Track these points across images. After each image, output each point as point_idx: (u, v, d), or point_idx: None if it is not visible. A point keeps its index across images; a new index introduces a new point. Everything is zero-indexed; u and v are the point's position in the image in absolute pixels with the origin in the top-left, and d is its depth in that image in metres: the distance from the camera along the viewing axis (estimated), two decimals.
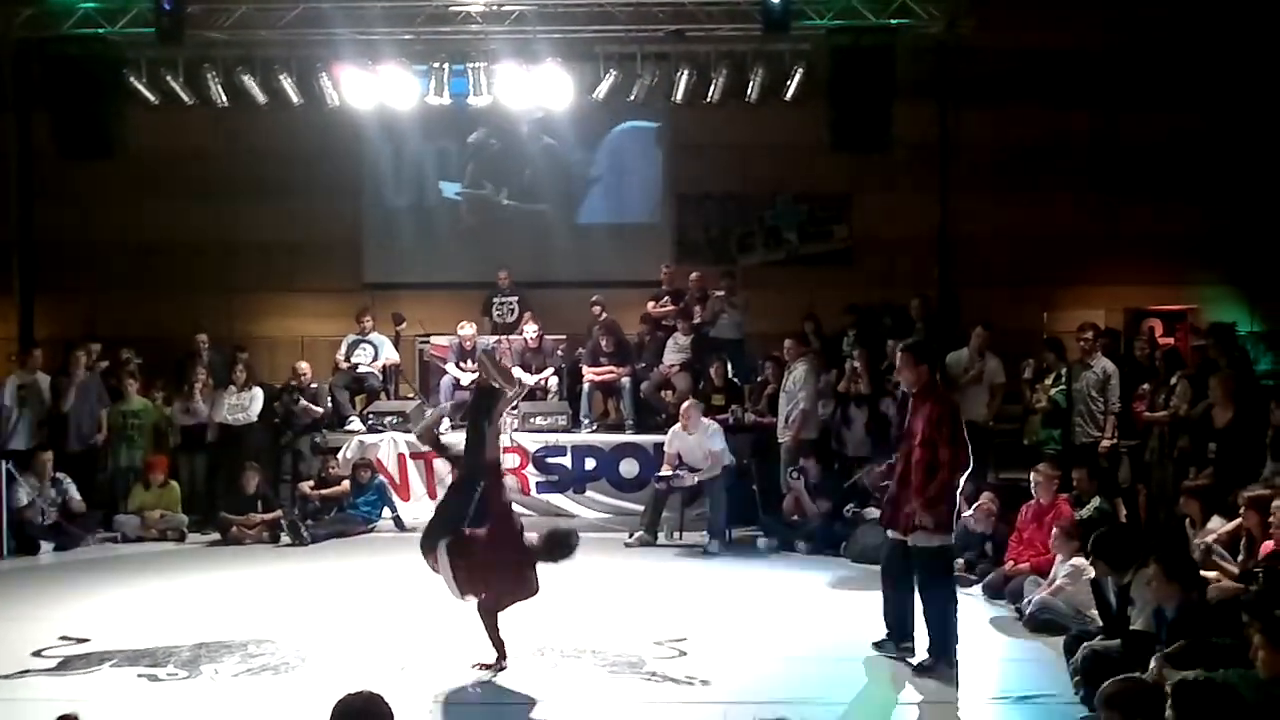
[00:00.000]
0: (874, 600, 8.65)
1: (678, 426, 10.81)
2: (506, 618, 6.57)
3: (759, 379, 12.11)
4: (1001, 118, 13.37)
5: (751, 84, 12.46)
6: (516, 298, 13.39)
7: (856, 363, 11.23)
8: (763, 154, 13.81)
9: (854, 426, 11.06)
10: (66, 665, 6.77)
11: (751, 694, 6.13)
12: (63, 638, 7.28)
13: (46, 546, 10.53)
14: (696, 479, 10.56)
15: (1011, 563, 8.50)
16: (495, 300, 13.44)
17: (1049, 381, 10.50)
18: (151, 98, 12.28)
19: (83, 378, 11.55)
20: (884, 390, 10.98)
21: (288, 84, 12.26)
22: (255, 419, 11.82)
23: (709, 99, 12.76)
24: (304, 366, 12.32)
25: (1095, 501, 8.95)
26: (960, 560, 8.94)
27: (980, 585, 8.63)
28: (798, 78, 12.26)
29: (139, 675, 6.48)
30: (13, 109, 13.60)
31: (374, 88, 12.24)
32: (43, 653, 6.98)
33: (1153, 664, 5.14)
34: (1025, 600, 7.83)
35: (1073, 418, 10.21)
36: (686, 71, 12.35)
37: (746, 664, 6.84)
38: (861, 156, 12.95)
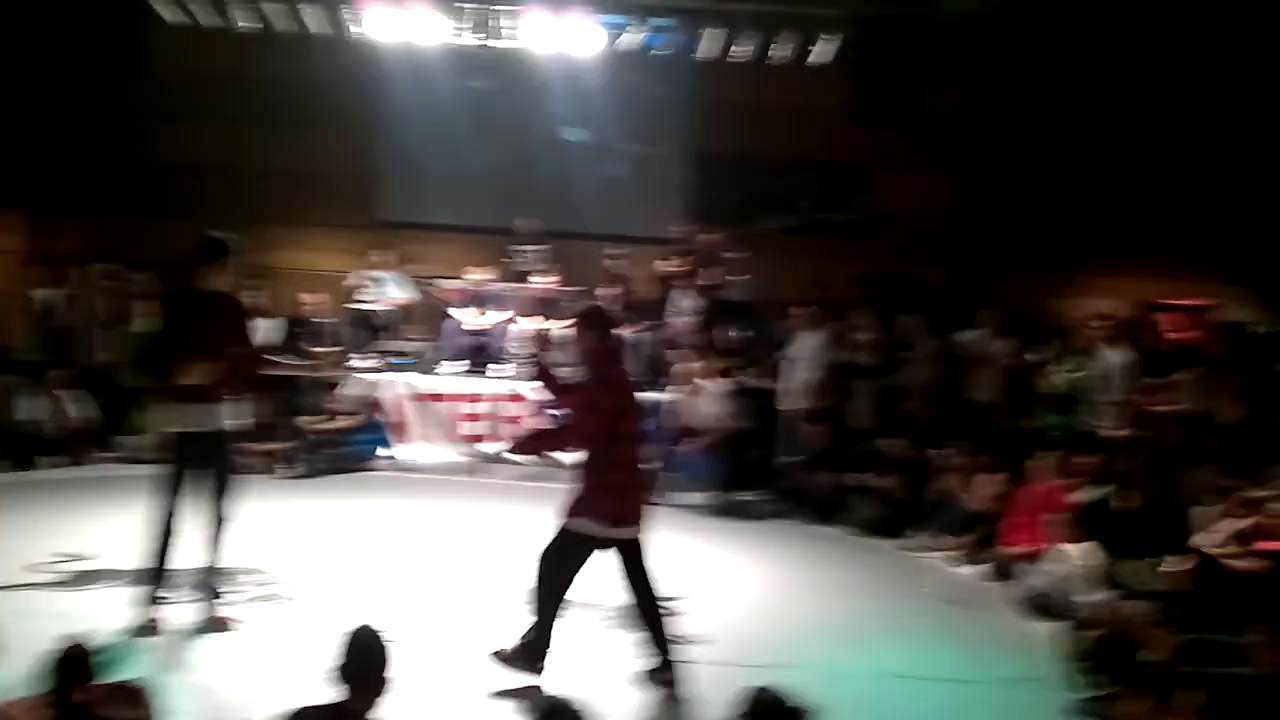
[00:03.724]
0: (871, 570, 8.78)
1: (683, 386, 10.80)
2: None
3: (768, 344, 12.06)
4: (1028, 98, 13.23)
5: (779, 47, 12.32)
6: (542, 247, 13.28)
7: (865, 335, 11.19)
8: (785, 120, 13.62)
9: (858, 399, 11.03)
10: (62, 582, 6.80)
11: (743, 658, 6.13)
12: (58, 554, 7.31)
13: (48, 461, 10.55)
14: (697, 441, 10.56)
15: (1006, 546, 8.52)
16: (518, 248, 13.33)
17: (1058, 368, 10.47)
18: (169, 18, 12.14)
19: (86, 295, 11.53)
20: (893, 363, 10.95)
21: (310, 13, 12.12)
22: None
23: (734, 59, 12.60)
24: (312, 299, 12.26)
25: (1097, 490, 8.93)
26: (958, 538, 9.01)
27: (977, 566, 8.64)
28: (826, 44, 12.11)
29: (131, 596, 6.47)
30: (34, 28, 13.39)
31: (400, 24, 12.11)
32: (38, 567, 7.01)
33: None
34: (1022, 584, 7.85)
35: (1081, 405, 10.18)
36: (714, 30, 12.21)
37: (740, 628, 6.86)
38: (885, 129, 12.83)
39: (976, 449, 9.63)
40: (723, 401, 10.72)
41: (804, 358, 11.01)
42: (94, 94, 13.09)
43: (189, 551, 6.22)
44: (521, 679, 5.64)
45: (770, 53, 12.37)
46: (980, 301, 11.62)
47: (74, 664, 3.45)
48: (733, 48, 12.37)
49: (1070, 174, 13.25)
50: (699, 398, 10.70)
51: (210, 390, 6.12)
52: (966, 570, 8.66)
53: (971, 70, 13.18)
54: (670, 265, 12.87)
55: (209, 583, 6.25)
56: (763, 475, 11.01)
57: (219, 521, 6.25)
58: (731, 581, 8.05)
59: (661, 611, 6.02)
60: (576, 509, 5.84)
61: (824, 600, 7.78)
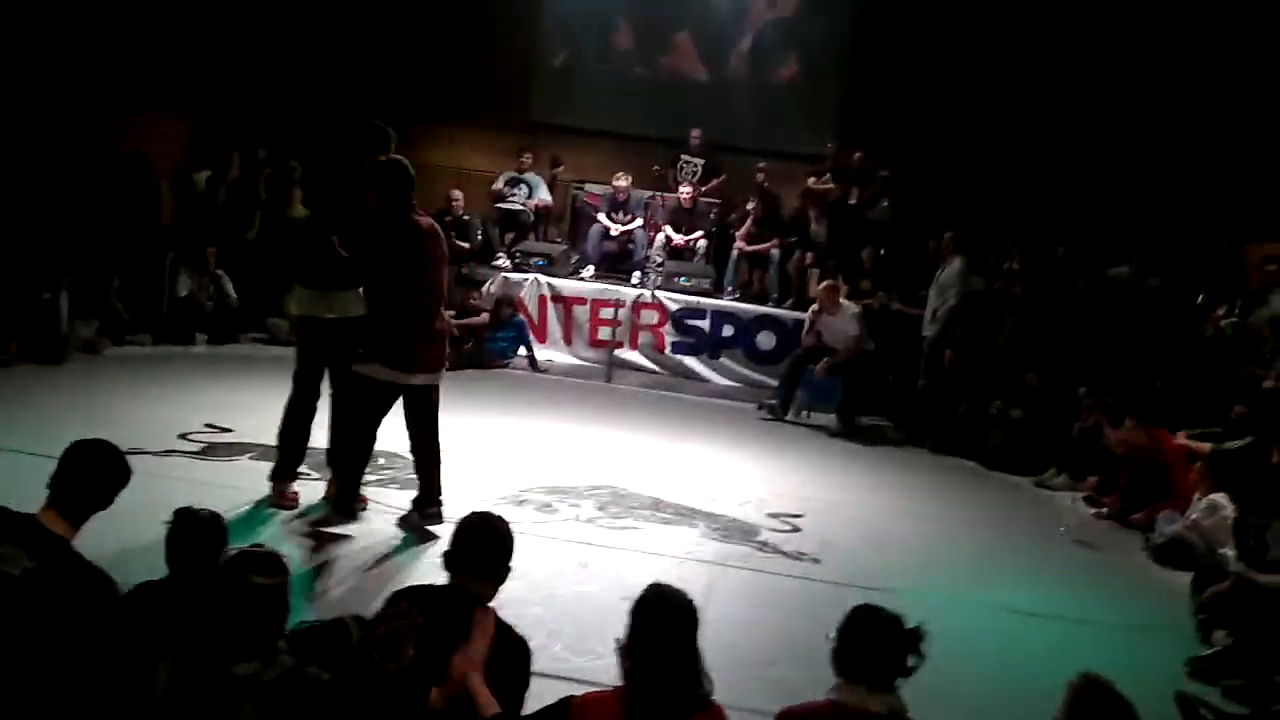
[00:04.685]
0: (999, 503, 8.59)
1: (819, 304, 10.65)
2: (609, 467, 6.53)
3: (912, 268, 11.77)
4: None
5: None
6: (703, 160, 13.16)
7: (1014, 264, 10.82)
8: (949, 41, 13.08)
9: (1002, 330, 10.71)
10: (209, 451, 7.12)
11: (855, 579, 6.07)
12: (208, 425, 7.66)
13: (202, 338, 11.03)
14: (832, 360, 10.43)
15: (1146, 491, 8.18)
16: (683, 158, 13.24)
17: (1223, 311, 9.94)
18: None
19: (246, 178, 11.90)
20: (1039, 294, 10.57)
21: None
22: None
23: None
24: (458, 194, 12.44)
25: (1245, 439, 8.51)
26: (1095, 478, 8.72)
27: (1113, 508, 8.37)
28: None
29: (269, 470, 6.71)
30: None
31: None
32: (188, 436, 7.36)
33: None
34: (1156, 533, 7.57)
35: (1245, 351, 9.66)
36: None
37: (856, 550, 6.78)
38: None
39: (1123, 388, 9.24)
40: (858, 322, 10.53)
41: (950, 284, 10.70)
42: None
43: (324, 432, 6.41)
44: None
45: None
46: (1139, 235, 11.07)
47: (208, 528, 3.58)
48: None
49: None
50: (835, 317, 10.53)
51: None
52: (1101, 511, 8.38)
53: None
54: (818, 183, 12.62)
55: (343, 464, 6.40)
56: (895, 400, 10.84)
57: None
58: (852, 504, 7.94)
59: (437, 461, 6.12)
60: (371, 355, 5.94)
61: (947, 530, 7.64)
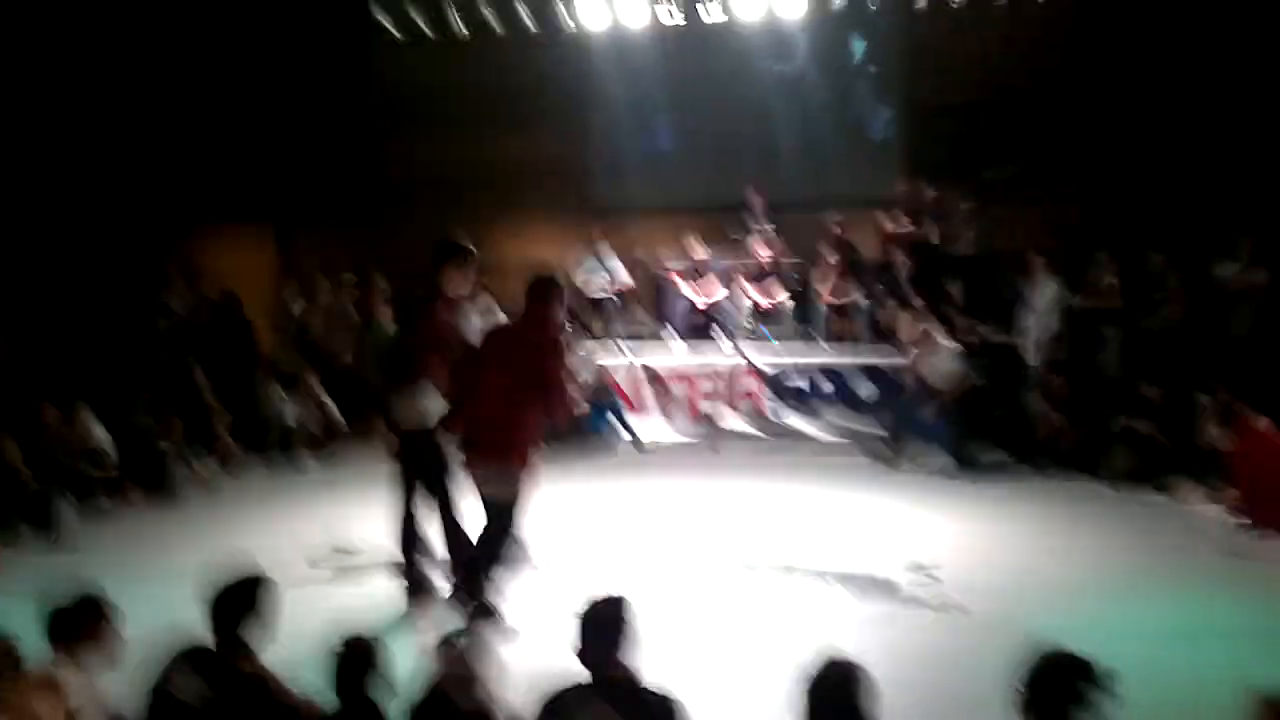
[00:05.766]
0: (1134, 523, 8.31)
1: (914, 346, 10.53)
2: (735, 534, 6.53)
3: (1003, 297, 11.60)
4: None
5: None
6: (773, 226, 13.12)
7: (1110, 278, 10.60)
8: (1008, 61, 13.00)
9: (1108, 346, 10.48)
10: (341, 576, 7.19)
11: (1013, 622, 5.87)
12: (336, 549, 7.74)
13: (312, 462, 11.23)
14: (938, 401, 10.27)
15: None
16: (754, 221, 13.21)
17: None
18: (396, 34, 12.69)
19: (329, 303, 12.19)
20: (1142, 306, 10.33)
21: (523, 11, 12.39)
22: None
23: (953, 4, 12.10)
24: None
25: None
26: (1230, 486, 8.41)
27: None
28: None
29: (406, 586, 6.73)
30: (270, 52, 14.20)
31: (608, 10, 12.23)
32: (318, 564, 7.44)
33: None
34: None
35: None
36: None
37: (1004, 591, 6.59)
38: (1114, 58, 12.09)
39: (1240, 391, 8.94)
40: (957, 359, 10.38)
41: (1044, 307, 10.53)
42: (325, 111, 13.80)
43: (439, 539, 6.46)
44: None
45: None
46: (1237, 230, 10.79)
47: (360, 657, 3.60)
48: None
49: None
50: (934, 357, 10.39)
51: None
52: (1243, 520, 8.07)
53: None
54: (895, 224, 12.54)
55: (455, 568, 6.45)
56: (1007, 432, 10.61)
57: (452, 512, 6.42)
58: (986, 545, 7.76)
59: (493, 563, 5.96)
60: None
61: (1088, 558, 7.41)
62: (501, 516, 5.94)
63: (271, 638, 3.76)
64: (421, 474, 6.37)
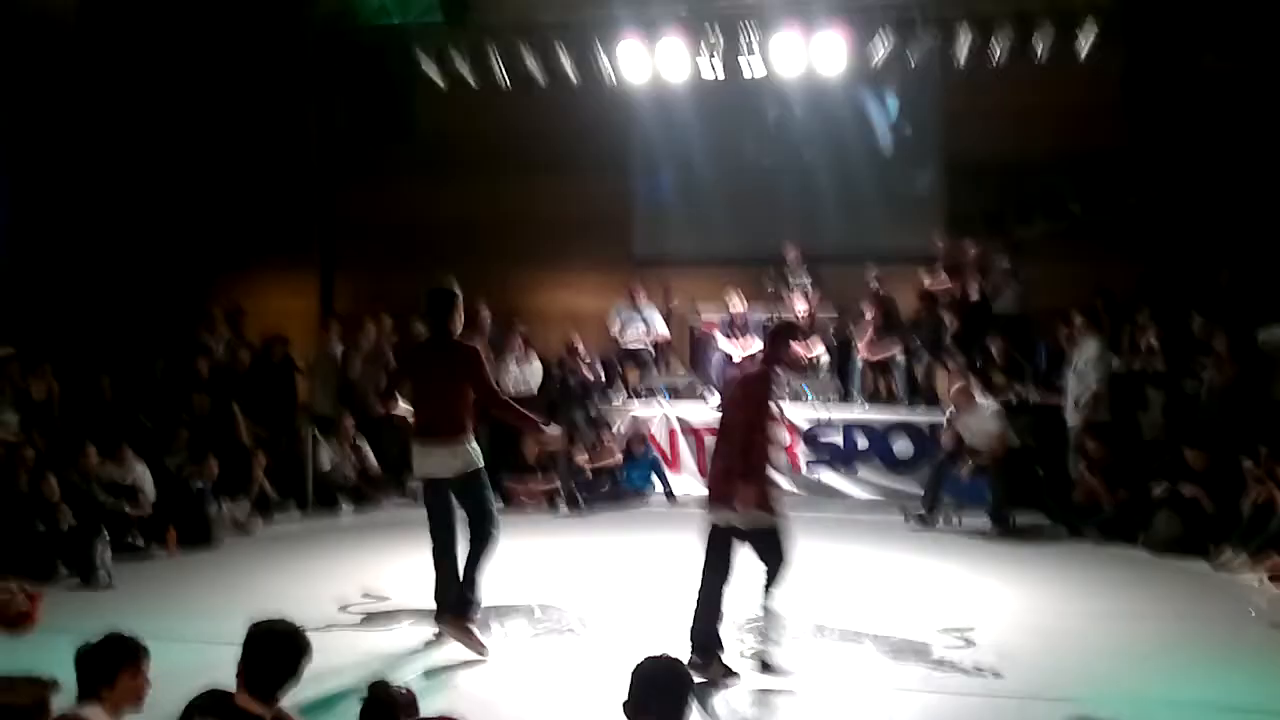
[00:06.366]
0: (1177, 591, 8.14)
1: (954, 405, 10.43)
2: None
3: (1043, 356, 11.51)
4: None
5: (1038, 43, 11.77)
6: (809, 279, 13.10)
7: (1153, 339, 10.49)
8: (1043, 118, 12.97)
9: (1150, 408, 10.34)
10: (369, 620, 7.19)
11: (1047, 690, 5.78)
12: (365, 594, 7.75)
13: (347, 507, 11.27)
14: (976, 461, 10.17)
15: None
16: (789, 277, 13.19)
17: None
18: (440, 83, 12.88)
19: (371, 347, 12.27)
20: (1184, 368, 10.20)
21: (566, 62, 12.53)
22: (535, 391, 12.20)
23: (992, 63, 12.11)
24: (579, 339, 12.60)
25: None
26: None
27: None
28: (1092, 32, 11.47)
29: (434, 633, 6.73)
30: (314, 98, 14.49)
31: (649, 62, 12.33)
32: (348, 608, 7.45)
33: None
34: None
35: None
36: (968, 33, 11.81)
37: (1038, 657, 6.47)
38: (1153, 114, 12.05)
39: None
40: (998, 420, 10.27)
41: (1084, 367, 10.42)
42: (369, 156, 14.01)
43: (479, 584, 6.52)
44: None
45: (1030, 48, 11.83)
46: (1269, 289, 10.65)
47: (387, 705, 3.58)
48: (989, 48, 11.91)
49: None
50: (973, 416, 10.30)
51: (441, 436, 6.48)
52: None
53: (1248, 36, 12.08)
54: (934, 281, 12.48)
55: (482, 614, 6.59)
56: (1048, 494, 10.47)
57: (477, 558, 6.55)
58: (1021, 608, 7.63)
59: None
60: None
61: (1126, 625, 7.26)
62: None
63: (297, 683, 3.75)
64: (472, 514, 6.61)
